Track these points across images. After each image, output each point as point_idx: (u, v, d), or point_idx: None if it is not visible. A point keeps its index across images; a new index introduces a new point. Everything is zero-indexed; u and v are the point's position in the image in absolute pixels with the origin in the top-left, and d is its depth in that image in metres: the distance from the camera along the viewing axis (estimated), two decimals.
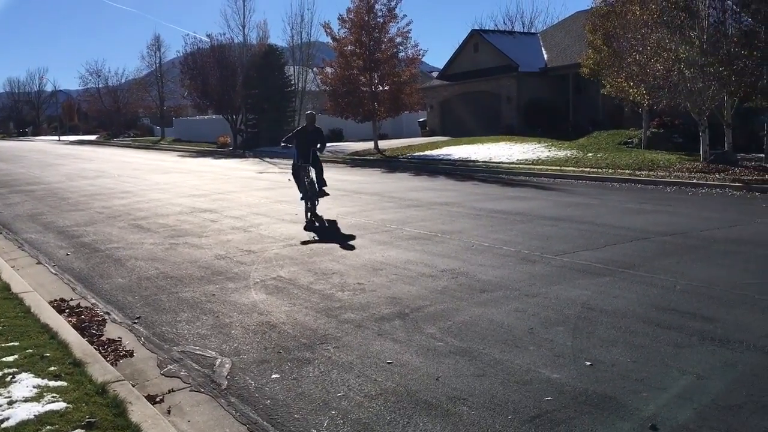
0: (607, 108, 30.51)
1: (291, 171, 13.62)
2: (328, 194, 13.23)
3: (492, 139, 30.87)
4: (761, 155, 20.39)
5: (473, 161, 25.45)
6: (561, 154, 24.60)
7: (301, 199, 13.03)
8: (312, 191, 12.85)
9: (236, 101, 42.02)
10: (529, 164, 23.12)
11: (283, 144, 13.40)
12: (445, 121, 40.90)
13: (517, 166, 23.09)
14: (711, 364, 5.13)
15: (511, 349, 5.55)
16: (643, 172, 19.17)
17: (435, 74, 47.69)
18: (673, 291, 7.15)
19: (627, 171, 19.61)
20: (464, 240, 10.27)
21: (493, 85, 36.95)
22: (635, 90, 21.34)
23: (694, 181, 17.32)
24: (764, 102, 18.20)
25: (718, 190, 16.14)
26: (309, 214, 12.72)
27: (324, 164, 13.85)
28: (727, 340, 5.61)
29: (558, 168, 21.51)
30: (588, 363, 5.19)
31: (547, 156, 24.49)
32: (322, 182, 13.13)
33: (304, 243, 10.48)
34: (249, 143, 41.17)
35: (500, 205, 14.21)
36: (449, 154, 28.15)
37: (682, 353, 5.36)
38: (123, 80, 74.33)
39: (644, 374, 4.96)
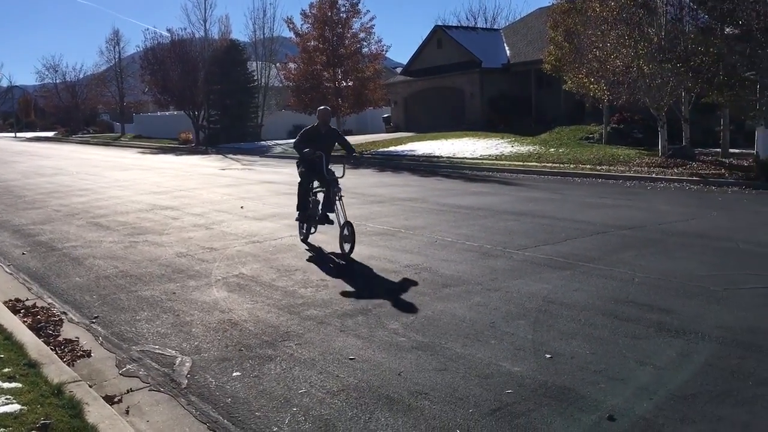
0: (568, 104, 30.91)
1: (300, 181, 9.99)
2: (332, 222, 9.64)
3: (456, 135, 31.04)
4: (718, 150, 20.87)
5: (437, 157, 25.55)
6: (524, 149, 24.84)
7: (297, 219, 10.13)
8: (314, 213, 9.90)
9: (198, 97, 41.50)
10: (493, 159, 23.30)
11: (305, 151, 9.45)
12: (410, 117, 40.99)
13: (480, 161, 23.26)
14: (668, 354, 5.23)
15: (472, 343, 5.59)
16: (604, 167, 19.46)
17: (399, 70, 47.69)
18: (632, 283, 7.27)
19: (588, 166, 19.89)
20: (427, 235, 10.30)
21: (457, 81, 37.15)
22: (596, 86, 21.68)
23: (653, 175, 17.65)
24: (720, 98, 18.58)
25: (676, 184, 16.47)
26: (346, 239, 9.17)
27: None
28: (683, 331, 5.73)
29: (521, 163, 21.73)
30: (548, 355, 5.25)
31: (510, 151, 24.71)
32: (330, 206, 9.64)
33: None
34: (212, 139, 40.73)
35: (463, 200, 14.29)
36: (413, 150, 28.24)
37: (640, 344, 5.45)
38: (81, 75, 72.70)
39: (603, 366, 5.03)
